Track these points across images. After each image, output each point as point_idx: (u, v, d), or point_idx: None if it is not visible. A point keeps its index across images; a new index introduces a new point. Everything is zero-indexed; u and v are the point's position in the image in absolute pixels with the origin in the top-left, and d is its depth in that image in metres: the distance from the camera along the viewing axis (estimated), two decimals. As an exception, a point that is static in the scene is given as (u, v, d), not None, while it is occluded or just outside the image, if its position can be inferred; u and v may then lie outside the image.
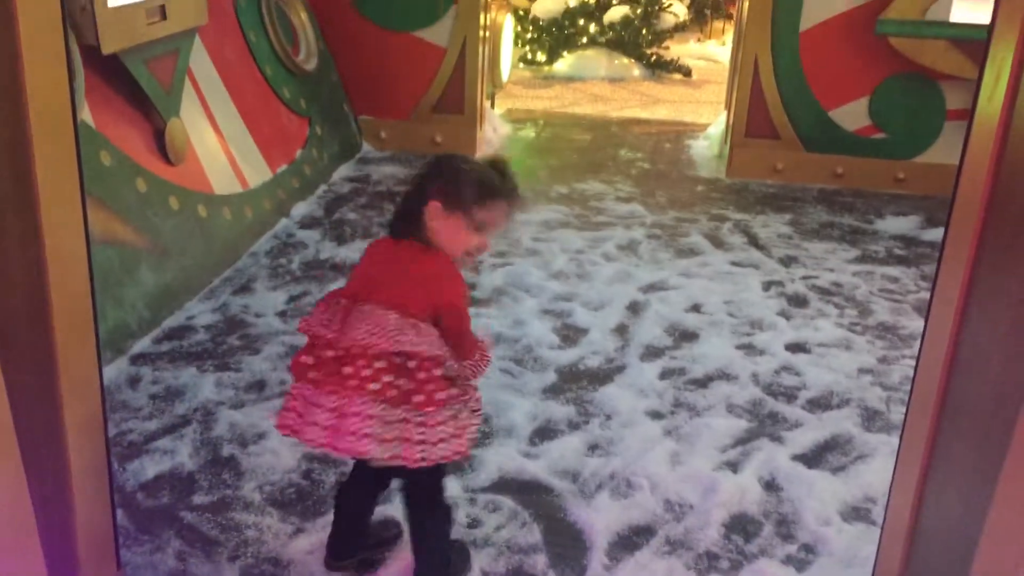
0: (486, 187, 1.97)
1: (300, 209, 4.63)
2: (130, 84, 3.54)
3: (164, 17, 3.59)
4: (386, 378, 1.83)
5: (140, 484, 2.52)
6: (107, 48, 3.26)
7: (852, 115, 5.38)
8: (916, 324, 3.62)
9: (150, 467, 2.59)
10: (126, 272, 3.31)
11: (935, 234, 4.63)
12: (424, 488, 2.07)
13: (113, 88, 3.52)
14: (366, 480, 2.16)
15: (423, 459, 1.88)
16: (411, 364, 1.85)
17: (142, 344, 3.24)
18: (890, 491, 1.89)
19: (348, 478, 2.21)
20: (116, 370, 3.06)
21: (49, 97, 1.56)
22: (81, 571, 1.83)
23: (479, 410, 1.99)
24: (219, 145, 4.22)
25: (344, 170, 5.36)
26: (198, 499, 2.47)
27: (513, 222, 2.05)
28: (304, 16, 5.32)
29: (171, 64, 3.77)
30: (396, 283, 1.91)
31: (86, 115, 3.29)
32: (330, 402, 1.86)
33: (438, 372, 1.87)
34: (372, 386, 1.83)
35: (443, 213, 1.93)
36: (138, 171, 3.52)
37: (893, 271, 4.23)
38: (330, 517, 2.25)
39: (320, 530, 2.34)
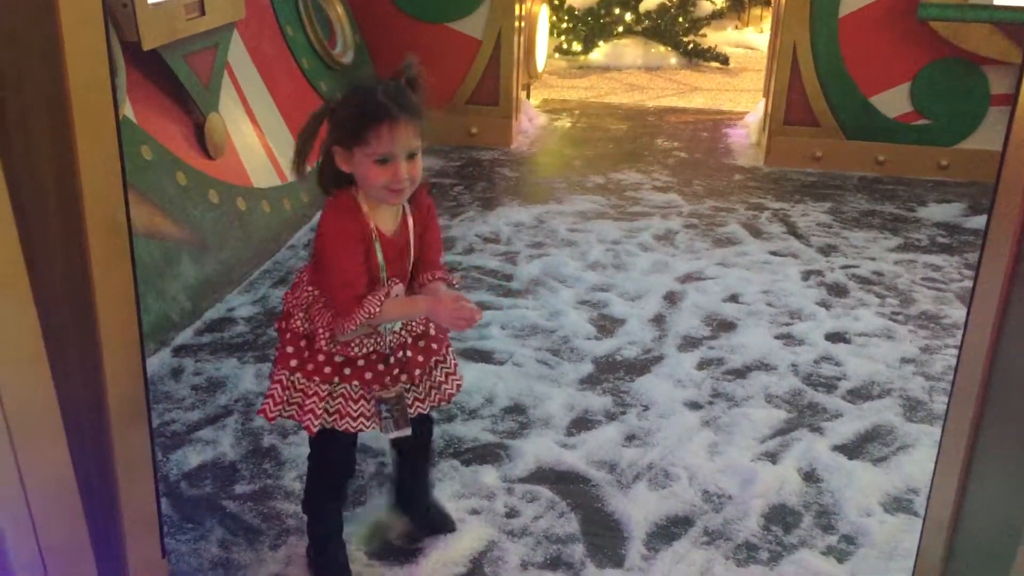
0: (364, 114, 1.83)
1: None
2: (170, 79, 3.59)
3: (203, 12, 3.62)
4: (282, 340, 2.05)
5: (183, 473, 2.56)
6: (147, 44, 3.31)
7: (893, 101, 5.30)
8: (959, 313, 3.56)
9: (193, 457, 2.63)
10: (168, 265, 3.36)
11: (979, 221, 4.55)
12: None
13: (154, 83, 3.56)
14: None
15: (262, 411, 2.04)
16: None
17: (184, 336, 3.29)
18: (932, 481, 1.87)
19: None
20: (159, 361, 3.10)
21: (91, 93, 1.58)
22: (127, 558, 1.86)
23: (348, 398, 1.99)
24: (257, 139, 4.26)
25: (381, 162, 5.38)
26: (240, 488, 2.50)
27: (409, 135, 1.85)
28: (340, 9, 5.34)
29: (210, 59, 3.81)
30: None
31: (128, 110, 3.34)
32: None
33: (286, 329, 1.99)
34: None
35: (345, 155, 1.87)
36: (178, 165, 3.57)
37: (936, 259, 4.17)
38: (369, 506, 2.28)
39: (358, 519, 2.37)
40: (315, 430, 2.00)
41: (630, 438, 2.77)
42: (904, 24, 5.11)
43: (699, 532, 2.38)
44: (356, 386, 2.00)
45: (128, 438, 1.80)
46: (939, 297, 3.78)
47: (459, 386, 2.15)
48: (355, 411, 2.01)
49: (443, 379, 2.12)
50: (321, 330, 1.94)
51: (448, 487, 2.51)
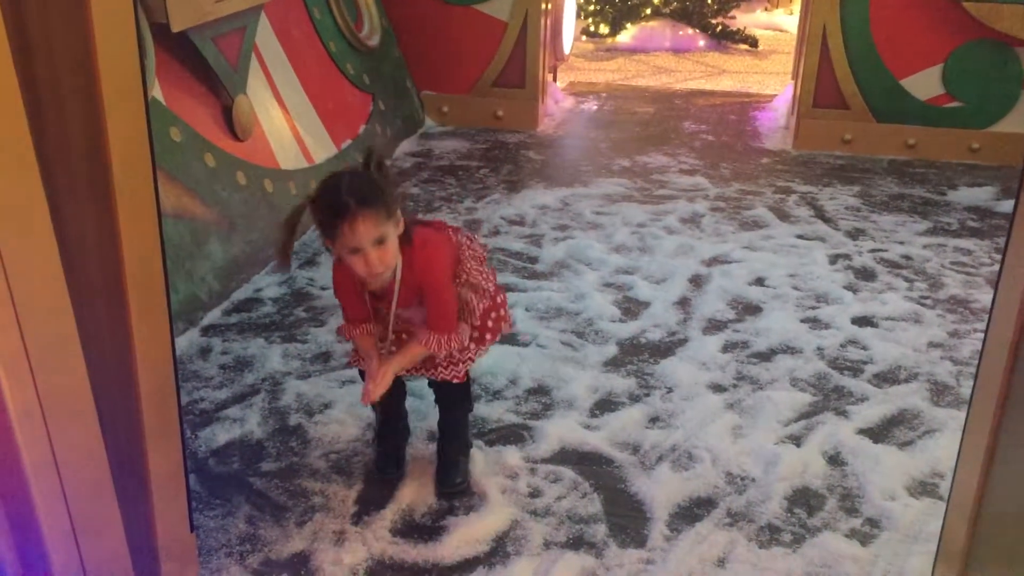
0: (329, 213, 2.03)
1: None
2: (198, 61, 3.62)
3: (231, -5, 3.65)
4: None
5: (211, 451, 2.60)
6: (176, 26, 3.33)
7: (925, 84, 5.24)
8: (989, 297, 3.52)
9: (221, 434, 2.67)
10: (196, 246, 3.39)
11: (1010, 205, 4.48)
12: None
13: (182, 65, 3.59)
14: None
15: None
16: None
17: (212, 316, 3.33)
18: (956, 465, 1.86)
19: None
20: (188, 340, 3.14)
21: (121, 75, 1.60)
22: (156, 533, 1.90)
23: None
24: (285, 121, 4.28)
25: (407, 145, 5.40)
26: (266, 466, 2.54)
27: (357, 233, 2.02)
28: (367, -8, 5.35)
29: (238, 41, 3.83)
30: None
31: (157, 92, 3.37)
32: None
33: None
34: None
35: (332, 245, 2.09)
36: (207, 147, 3.60)
37: (966, 243, 4.13)
38: (394, 486, 2.32)
39: (386, 498, 2.40)
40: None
41: (654, 420, 2.78)
42: (936, 5, 5.04)
43: (722, 514, 2.38)
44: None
45: (157, 416, 1.83)
46: (968, 281, 3.74)
47: (454, 377, 2.37)
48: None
49: (444, 366, 2.36)
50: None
51: (473, 467, 2.53)
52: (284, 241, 2.15)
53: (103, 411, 1.69)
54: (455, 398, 2.48)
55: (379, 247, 2.05)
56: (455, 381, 2.37)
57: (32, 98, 1.49)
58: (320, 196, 2.06)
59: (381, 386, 2.21)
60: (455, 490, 2.45)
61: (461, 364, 2.37)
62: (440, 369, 2.36)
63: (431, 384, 2.47)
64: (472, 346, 2.38)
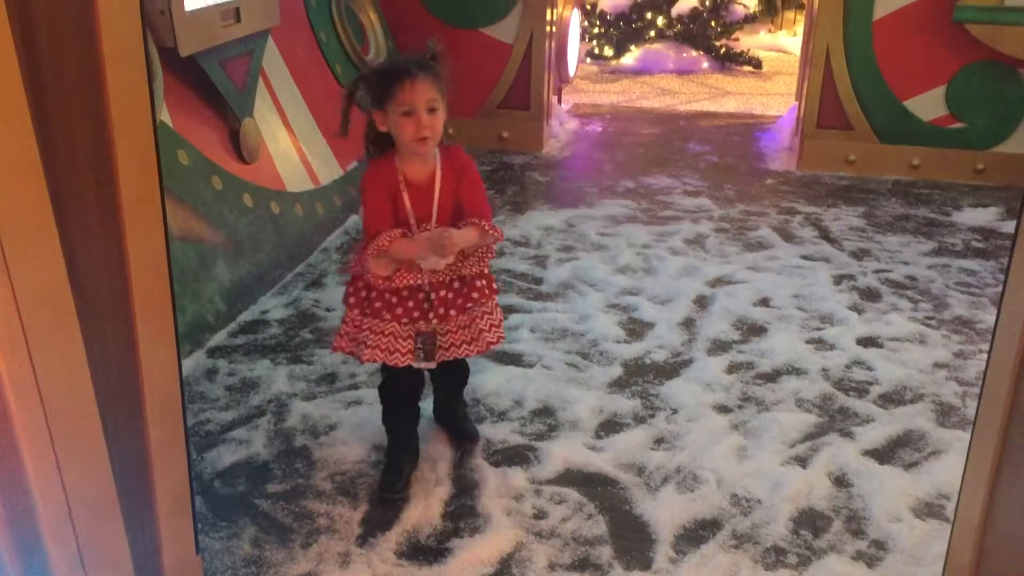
0: (389, 73, 2.22)
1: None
2: (206, 85, 3.65)
3: (238, 19, 3.69)
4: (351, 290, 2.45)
5: (217, 472, 2.60)
6: (184, 50, 3.37)
7: (928, 105, 5.25)
8: (994, 318, 3.52)
9: (226, 456, 2.67)
10: (203, 267, 3.41)
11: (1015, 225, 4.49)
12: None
13: (190, 89, 3.63)
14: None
15: (332, 346, 2.51)
16: None
17: (218, 337, 3.34)
18: (961, 487, 1.86)
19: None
20: (194, 362, 3.16)
21: (129, 99, 1.62)
22: (161, 555, 1.90)
23: (397, 336, 2.36)
24: (291, 143, 4.31)
25: (413, 167, 5.42)
26: (272, 487, 2.54)
27: (429, 90, 2.21)
28: (373, 15, 5.40)
29: (245, 65, 3.87)
30: None
31: (165, 116, 3.40)
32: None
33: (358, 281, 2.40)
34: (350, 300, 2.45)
35: (381, 115, 2.24)
36: (214, 169, 3.62)
37: (971, 264, 4.13)
38: (399, 508, 2.33)
39: (391, 520, 2.40)
40: (366, 361, 2.37)
41: (658, 441, 2.78)
42: (939, 27, 5.07)
43: (727, 536, 2.38)
44: (405, 324, 2.34)
45: (164, 437, 1.84)
46: (973, 302, 3.74)
47: (500, 337, 2.46)
48: (404, 348, 2.36)
49: (486, 328, 2.44)
50: (354, 266, 2.36)
51: (477, 488, 2.53)
52: (344, 109, 2.29)
53: (110, 433, 1.70)
54: (464, 370, 2.67)
55: (431, 114, 2.21)
56: (500, 342, 2.46)
57: (42, 122, 1.51)
58: (380, 66, 2.33)
59: (449, 249, 2.25)
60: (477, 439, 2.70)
61: (498, 325, 2.47)
62: (485, 333, 2.42)
63: (439, 370, 2.51)
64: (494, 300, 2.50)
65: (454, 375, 2.66)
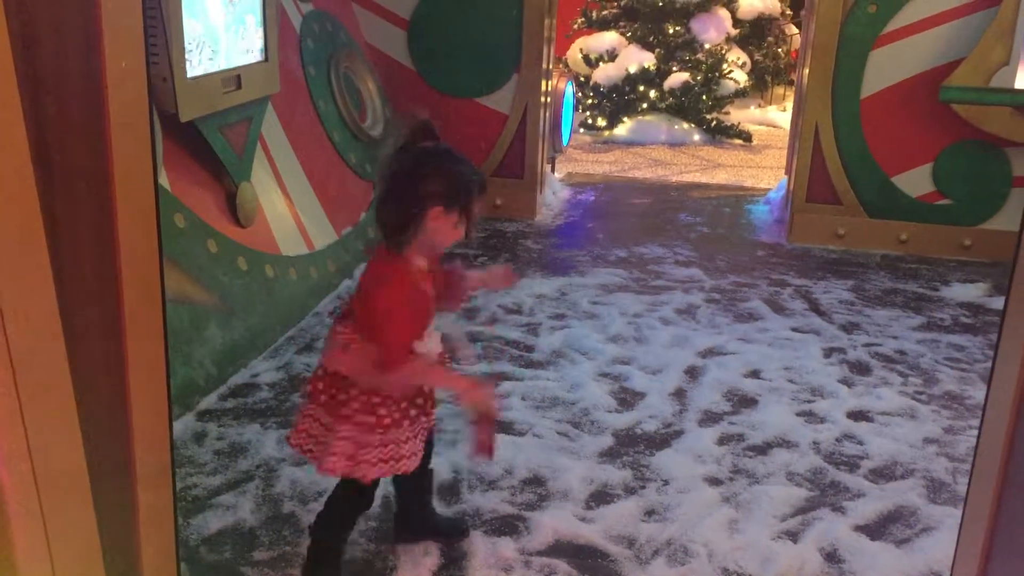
0: (477, 183, 2.12)
1: (363, 271, 4.71)
2: (205, 149, 3.70)
3: (239, 87, 3.75)
4: (321, 387, 2.19)
5: (203, 538, 2.57)
6: (185, 116, 3.42)
7: (915, 181, 5.35)
8: (983, 394, 3.53)
9: (213, 522, 2.64)
10: (195, 330, 3.41)
11: (1003, 302, 4.53)
12: (333, 497, 2.36)
13: (189, 153, 3.67)
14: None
15: (327, 469, 2.16)
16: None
17: (208, 400, 3.33)
18: (953, 566, 1.85)
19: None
20: (183, 425, 3.14)
21: (133, 165, 1.64)
22: (145, 623, 1.87)
23: (401, 441, 2.17)
24: (287, 208, 4.35)
25: (407, 232, 5.46)
26: (259, 555, 2.51)
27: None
28: (372, 85, 5.49)
29: (244, 130, 3.92)
30: (357, 301, 2.18)
31: (163, 179, 3.43)
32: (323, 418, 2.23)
33: (356, 391, 2.13)
34: (322, 398, 2.18)
35: (444, 215, 2.07)
36: (210, 233, 3.65)
37: (959, 339, 4.16)
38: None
39: None
40: (372, 479, 2.20)
41: (649, 513, 2.76)
42: (926, 106, 5.18)
43: (718, 611, 2.35)
44: (406, 427, 2.18)
45: (152, 502, 1.82)
46: (963, 377, 3.76)
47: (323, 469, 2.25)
48: (409, 451, 2.20)
49: None
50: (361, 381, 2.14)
51: (466, 559, 2.50)
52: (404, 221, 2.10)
53: (98, 496, 1.69)
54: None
55: None
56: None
57: (46, 186, 1.53)
58: (462, 170, 2.10)
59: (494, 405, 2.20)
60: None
61: None
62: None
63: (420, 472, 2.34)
64: None
65: (430, 473, 2.51)
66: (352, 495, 2.30)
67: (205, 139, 3.65)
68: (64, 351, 1.58)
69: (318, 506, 2.70)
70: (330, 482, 2.83)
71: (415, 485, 2.48)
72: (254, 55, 3.89)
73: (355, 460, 2.14)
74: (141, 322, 1.72)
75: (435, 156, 2.10)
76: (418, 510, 2.55)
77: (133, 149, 1.65)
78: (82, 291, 1.64)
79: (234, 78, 3.72)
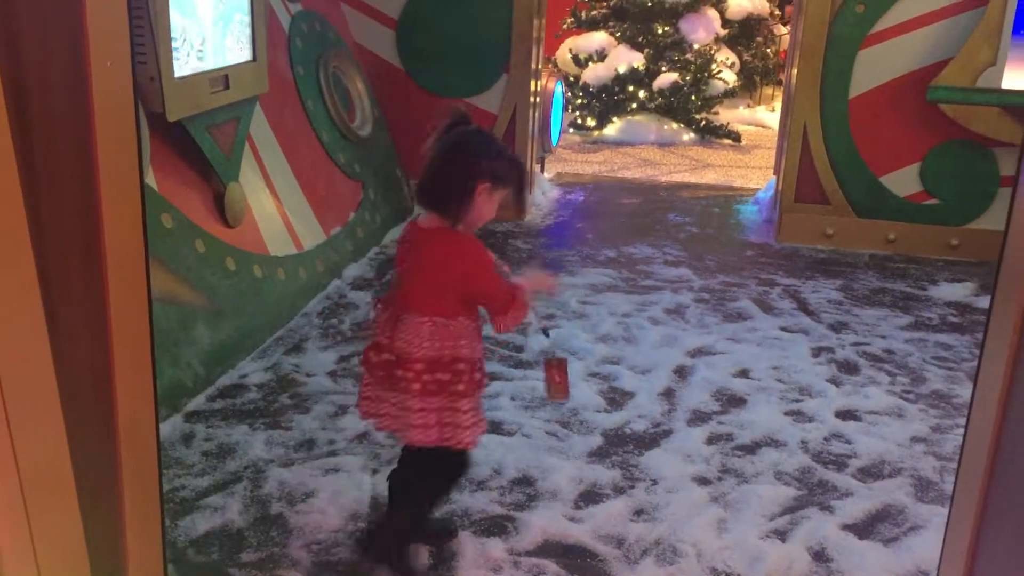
0: (519, 164, 2.31)
1: (352, 270, 4.72)
2: (192, 149, 3.68)
3: (227, 87, 3.73)
4: (425, 376, 2.20)
5: (191, 540, 2.56)
6: (172, 116, 3.40)
7: (903, 181, 5.37)
8: (970, 393, 3.55)
9: (201, 523, 2.63)
10: (183, 330, 3.40)
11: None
12: (423, 468, 2.38)
13: (176, 153, 3.65)
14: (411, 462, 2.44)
15: (456, 442, 2.25)
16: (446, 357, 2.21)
17: (196, 401, 3.32)
18: (940, 564, 1.86)
19: (398, 463, 2.48)
20: (171, 427, 3.12)
21: (118, 165, 1.64)
22: (131, 625, 1.86)
23: (476, 408, 2.31)
24: (275, 208, 4.34)
25: (396, 232, 5.45)
26: (246, 556, 2.50)
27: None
28: (360, 85, 5.48)
29: (232, 130, 3.91)
30: (423, 282, 2.24)
31: (150, 179, 3.42)
32: (391, 396, 2.26)
33: (463, 365, 2.22)
34: (414, 387, 2.20)
35: (489, 191, 2.22)
36: (198, 233, 3.63)
37: (947, 338, 4.17)
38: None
39: (365, 590, 2.36)
40: (473, 444, 2.30)
41: (638, 512, 2.76)
42: (913, 106, 5.20)
43: (707, 610, 2.35)
44: (478, 394, 2.30)
45: (139, 504, 1.81)
46: (950, 376, 3.78)
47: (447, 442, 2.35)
48: (478, 418, 2.31)
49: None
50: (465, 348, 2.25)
51: (455, 559, 2.50)
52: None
53: (84, 498, 1.68)
54: None
55: None
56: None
57: (31, 184, 1.52)
58: (513, 159, 2.31)
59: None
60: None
61: None
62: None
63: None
64: None
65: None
66: (453, 462, 2.39)
67: (193, 139, 3.63)
68: (49, 352, 1.57)
69: (306, 507, 2.71)
70: (318, 483, 2.83)
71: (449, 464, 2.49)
72: (242, 55, 3.88)
73: (444, 428, 2.25)
74: (127, 323, 1.71)
75: (478, 136, 2.28)
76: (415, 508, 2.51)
77: (119, 149, 1.64)
78: (68, 291, 1.63)
79: (222, 78, 3.71)
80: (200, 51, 3.55)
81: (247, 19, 3.88)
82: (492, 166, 2.21)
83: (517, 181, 2.29)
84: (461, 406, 2.24)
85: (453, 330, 2.22)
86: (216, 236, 3.75)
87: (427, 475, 2.41)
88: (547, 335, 2.60)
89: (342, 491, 2.79)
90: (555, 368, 2.45)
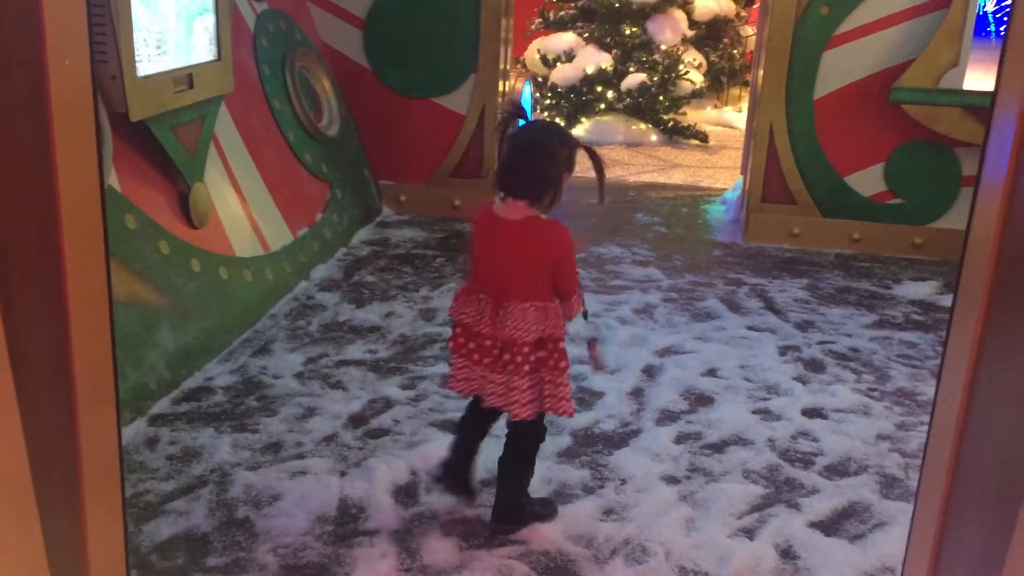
0: (596, 153, 2.59)
1: (320, 272, 4.68)
2: (156, 149, 3.63)
3: (191, 86, 3.69)
4: (532, 357, 2.41)
5: (155, 545, 2.53)
6: (135, 115, 3.36)
7: (868, 181, 5.42)
8: (934, 390, 3.59)
9: (165, 528, 2.60)
10: (147, 333, 3.36)
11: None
12: (530, 437, 2.61)
13: (139, 153, 3.61)
14: (480, 419, 2.69)
15: (562, 411, 2.48)
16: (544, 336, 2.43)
17: (161, 405, 3.27)
18: (904, 561, 1.87)
19: (467, 413, 2.73)
20: (135, 431, 3.08)
21: (77, 163, 1.61)
22: (93, 633, 1.83)
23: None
24: (242, 209, 4.30)
25: (363, 233, 5.43)
26: (212, 561, 2.47)
27: None
28: (327, 84, 5.45)
29: (196, 130, 3.87)
30: (523, 270, 2.42)
31: (112, 180, 3.37)
32: (499, 378, 2.44)
33: (560, 344, 2.45)
34: (524, 368, 2.40)
35: (566, 179, 2.45)
36: (162, 234, 3.59)
37: (911, 336, 4.22)
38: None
39: (332, 594, 2.34)
40: (572, 412, 2.53)
41: (607, 512, 2.76)
42: (877, 107, 5.26)
43: (675, 609, 2.36)
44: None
45: (101, 509, 1.78)
46: (914, 374, 3.82)
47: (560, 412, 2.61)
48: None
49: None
50: (554, 326, 2.45)
51: (423, 559, 2.49)
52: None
53: (44, 503, 1.65)
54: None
55: None
56: None
57: (-14, 187, 1.49)
58: (591, 151, 2.60)
59: None
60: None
61: None
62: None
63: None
64: None
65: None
66: (542, 430, 2.62)
67: (156, 139, 3.59)
68: (7, 355, 1.54)
69: (272, 510, 2.68)
70: (284, 486, 2.80)
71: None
72: (207, 54, 3.83)
73: (546, 400, 2.46)
74: (88, 325, 1.68)
75: (557, 128, 2.52)
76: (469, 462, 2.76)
77: (78, 149, 1.61)
78: (25, 293, 1.59)
79: (186, 77, 3.66)
80: (163, 49, 3.50)
81: (212, 17, 3.83)
82: (573, 156, 2.44)
83: (599, 170, 2.55)
84: (563, 380, 2.46)
85: (551, 312, 2.42)
86: (180, 237, 3.71)
87: (532, 442, 2.61)
88: (586, 317, 2.66)
89: (309, 494, 2.76)
90: (594, 346, 2.67)
